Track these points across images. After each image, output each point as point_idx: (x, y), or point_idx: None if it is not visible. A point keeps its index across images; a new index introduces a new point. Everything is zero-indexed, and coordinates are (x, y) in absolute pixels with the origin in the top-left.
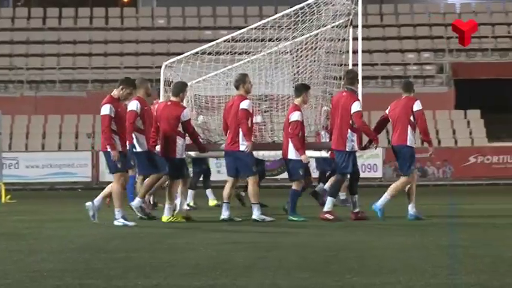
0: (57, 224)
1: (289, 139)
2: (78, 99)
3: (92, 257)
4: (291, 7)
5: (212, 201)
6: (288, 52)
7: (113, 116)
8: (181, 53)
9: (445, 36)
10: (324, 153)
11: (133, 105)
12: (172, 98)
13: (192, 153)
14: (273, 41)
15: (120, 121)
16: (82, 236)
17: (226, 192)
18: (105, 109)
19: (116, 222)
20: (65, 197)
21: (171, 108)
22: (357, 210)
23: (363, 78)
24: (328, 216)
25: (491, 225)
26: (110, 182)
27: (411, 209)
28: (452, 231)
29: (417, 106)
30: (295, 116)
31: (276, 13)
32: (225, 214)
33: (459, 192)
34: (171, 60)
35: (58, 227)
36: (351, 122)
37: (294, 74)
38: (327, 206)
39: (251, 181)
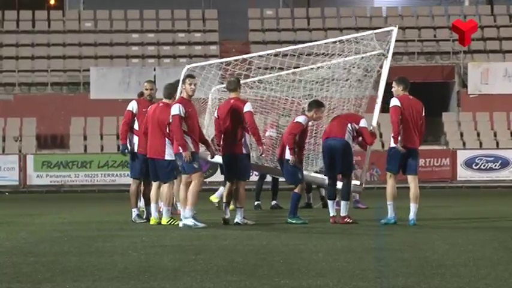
0: None
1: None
2: (5, 102)
3: (20, 261)
4: (218, 10)
5: (216, 198)
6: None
7: (183, 116)
8: (109, 56)
9: None
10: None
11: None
12: (165, 100)
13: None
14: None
15: (191, 121)
16: (10, 239)
17: (229, 195)
18: (175, 109)
19: (186, 222)
20: None
21: (162, 110)
22: (333, 214)
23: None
24: (347, 220)
25: (418, 228)
26: (39, 186)
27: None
28: (379, 234)
29: None
30: (300, 118)
31: (204, 16)
32: (238, 218)
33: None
34: (194, 65)
35: None
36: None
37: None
38: (343, 210)
39: (243, 185)
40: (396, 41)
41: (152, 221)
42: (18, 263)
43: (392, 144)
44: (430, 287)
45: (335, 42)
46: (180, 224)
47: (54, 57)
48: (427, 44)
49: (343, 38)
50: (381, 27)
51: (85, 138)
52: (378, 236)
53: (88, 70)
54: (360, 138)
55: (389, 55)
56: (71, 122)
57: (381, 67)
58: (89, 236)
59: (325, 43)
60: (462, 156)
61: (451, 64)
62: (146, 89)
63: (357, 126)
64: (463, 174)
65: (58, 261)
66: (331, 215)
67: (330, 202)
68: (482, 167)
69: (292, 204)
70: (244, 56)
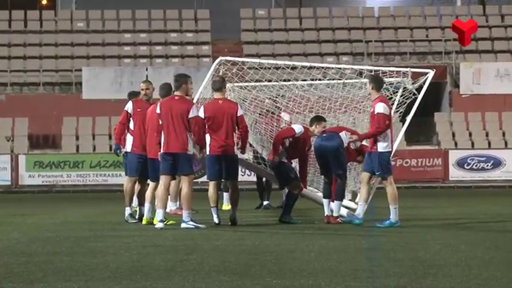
0: None
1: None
2: None
3: (11, 261)
4: (210, 10)
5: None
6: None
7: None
8: (101, 56)
9: (364, 40)
10: None
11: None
12: (178, 93)
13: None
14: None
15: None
16: (1, 239)
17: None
18: (196, 111)
19: (187, 226)
20: None
21: (180, 104)
22: (327, 214)
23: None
24: (339, 220)
25: (410, 228)
26: (31, 186)
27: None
28: (371, 234)
29: None
30: (295, 126)
31: (196, 16)
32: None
33: (377, 195)
34: (228, 58)
35: None
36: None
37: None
38: (336, 210)
39: (236, 185)
40: (388, 41)
41: (144, 221)
42: (10, 263)
43: (384, 149)
44: (422, 286)
45: (371, 71)
46: (182, 226)
47: (46, 57)
48: (419, 44)
49: (381, 68)
50: (373, 28)
51: (77, 138)
52: (370, 236)
53: (80, 70)
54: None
55: (420, 96)
56: (63, 122)
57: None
58: (81, 236)
59: (360, 69)
60: (454, 156)
61: (443, 64)
62: (142, 89)
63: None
64: (455, 174)
65: (50, 261)
66: (325, 214)
67: (325, 201)
68: (474, 167)
69: (287, 203)
70: (287, 63)
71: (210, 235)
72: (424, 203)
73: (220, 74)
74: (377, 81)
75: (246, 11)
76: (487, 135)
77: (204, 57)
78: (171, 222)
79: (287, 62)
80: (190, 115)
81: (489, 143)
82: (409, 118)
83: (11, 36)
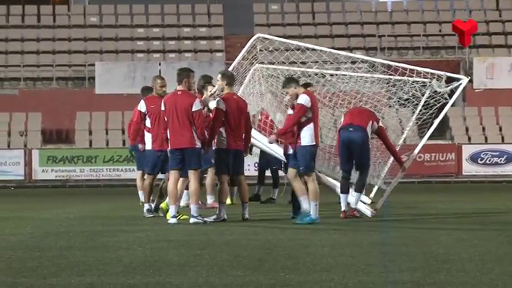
0: None
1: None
2: (10, 97)
3: (25, 255)
4: (223, 5)
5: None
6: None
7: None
8: (114, 51)
9: (377, 34)
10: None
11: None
12: (181, 88)
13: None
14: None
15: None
16: (15, 234)
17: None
18: (214, 103)
19: (196, 221)
20: None
21: (184, 98)
22: (344, 209)
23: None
24: (356, 213)
25: (423, 223)
26: (44, 180)
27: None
28: (385, 229)
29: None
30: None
31: (209, 10)
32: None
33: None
34: (267, 36)
35: None
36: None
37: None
38: (354, 202)
39: (244, 179)
40: (401, 35)
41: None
42: (24, 257)
43: (307, 143)
44: (435, 281)
45: (405, 68)
46: (191, 221)
47: (60, 52)
48: (433, 39)
49: (420, 69)
50: (386, 22)
51: (90, 133)
52: (383, 230)
53: (93, 65)
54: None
55: (451, 101)
56: (76, 116)
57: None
58: (94, 230)
59: (399, 67)
60: (467, 151)
61: (457, 59)
62: (160, 86)
63: (376, 125)
64: (469, 169)
65: (63, 255)
66: (342, 209)
67: (342, 196)
68: (487, 161)
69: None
70: (318, 48)
71: (223, 230)
72: (438, 197)
73: (257, 50)
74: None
75: (259, 5)
76: (500, 129)
77: (217, 51)
78: (184, 217)
79: (324, 49)
80: (194, 108)
81: (502, 138)
82: (436, 122)
83: (24, 31)
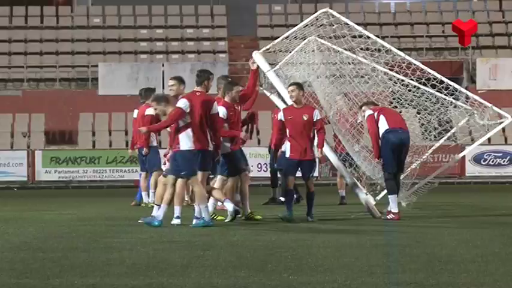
0: None
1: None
2: (13, 98)
3: (28, 257)
4: (226, 6)
5: None
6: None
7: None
8: (117, 52)
9: (380, 35)
10: None
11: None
12: (199, 89)
13: None
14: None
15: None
16: (18, 235)
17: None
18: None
19: (196, 221)
20: (0, 197)
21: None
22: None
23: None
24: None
25: (426, 223)
26: (47, 181)
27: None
28: (388, 230)
29: None
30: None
31: (212, 12)
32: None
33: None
34: (334, 13)
35: None
36: None
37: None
38: (391, 205)
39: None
40: (404, 36)
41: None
42: (27, 258)
43: (184, 147)
44: (438, 282)
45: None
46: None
47: (63, 53)
48: (436, 40)
49: (467, 92)
50: (389, 23)
51: (93, 134)
52: (386, 232)
53: (96, 66)
54: None
55: (488, 135)
56: (79, 117)
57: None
58: (97, 231)
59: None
60: (470, 152)
61: (460, 60)
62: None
63: None
64: (472, 170)
65: (66, 257)
66: (394, 210)
67: (392, 197)
68: (490, 162)
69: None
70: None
71: (226, 231)
72: (441, 198)
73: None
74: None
75: (262, 6)
76: (503, 130)
77: (220, 53)
78: (219, 218)
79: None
80: (212, 111)
81: (505, 139)
82: (469, 148)
83: (27, 32)
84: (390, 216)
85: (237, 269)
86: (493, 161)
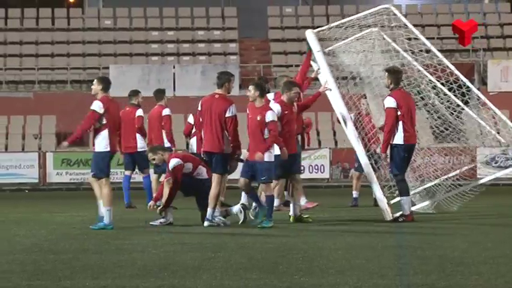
0: (5, 226)
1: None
2: (24, 100)
3: (39, 258)
4: (237, 8)
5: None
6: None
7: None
8: (128, 54)
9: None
10: None
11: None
12: (219, 91)
13: None
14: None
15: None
16: (29, 237)
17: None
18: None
19: (207, 223)
20: (12, 198)
21: (219, 102)
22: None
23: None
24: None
25: (438, 225)
26: (58, 183)
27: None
28: (399, 232)
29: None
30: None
31: (223, 14)
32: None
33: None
34: (396, 12)
35: (5, 228)
36: None
37: None
38: (404, 208)
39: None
40: (415, 38)
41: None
42: (38, 260)
43: (102, 149)
44: (449, 284)
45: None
46: (205, 224)
47: (74, 55)
48: (447, 42)
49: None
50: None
51: None
52: (397, 233)
53: (107, 68)
54: None
55: None
56: None
57: None
58: (108, 233)
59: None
60: (482, 153)
61: (471, 62)
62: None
63: None
64: (483, 172)
65: (78, 258)
66: (407, 212)
67: (405, 199)
68: (502, 164)
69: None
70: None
71: (237, 233)
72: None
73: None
74: (104, 82)
75: (273, 8)
76: None
77: (231, 55)
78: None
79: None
80: (227, 114)
81: None
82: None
83: (38, 34)
84: (401, 219)
85: (248, 270)
86: (504, 163)
